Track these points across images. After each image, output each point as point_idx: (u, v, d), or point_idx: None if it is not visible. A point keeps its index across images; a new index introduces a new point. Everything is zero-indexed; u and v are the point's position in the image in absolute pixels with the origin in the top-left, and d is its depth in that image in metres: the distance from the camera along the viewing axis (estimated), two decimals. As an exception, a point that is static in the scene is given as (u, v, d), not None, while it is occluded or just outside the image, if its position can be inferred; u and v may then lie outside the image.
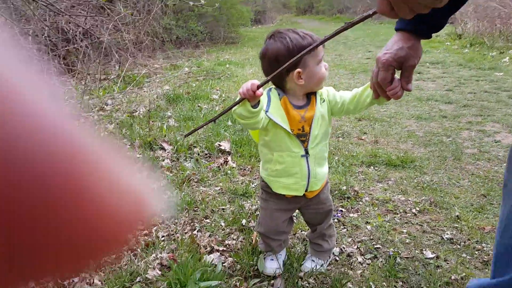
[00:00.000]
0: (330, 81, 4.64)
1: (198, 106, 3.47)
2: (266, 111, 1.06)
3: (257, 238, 1.46)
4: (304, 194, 1.20)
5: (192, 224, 1.66)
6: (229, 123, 2.93)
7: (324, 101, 1.14)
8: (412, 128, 2.90)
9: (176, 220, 1.67)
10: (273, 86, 1.14)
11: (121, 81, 4.27)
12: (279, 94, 1.11)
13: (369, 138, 2.69)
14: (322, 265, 1.34)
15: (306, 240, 1.47)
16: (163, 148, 2.47)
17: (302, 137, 1.12)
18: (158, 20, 6.49)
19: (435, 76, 4.73)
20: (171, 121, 3.04)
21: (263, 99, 1.03)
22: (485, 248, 1.46)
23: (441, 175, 2.09)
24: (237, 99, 0.98)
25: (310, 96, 1.13)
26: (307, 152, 1.13)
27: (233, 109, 0.99)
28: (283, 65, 0.95)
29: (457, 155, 2.33)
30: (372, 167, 2.21)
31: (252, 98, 0.94)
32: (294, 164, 1.14)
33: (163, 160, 2.27)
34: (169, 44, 6.64)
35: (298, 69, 1.06)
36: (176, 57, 6.31)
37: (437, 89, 4.04)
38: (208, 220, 1.67)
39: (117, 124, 2.93)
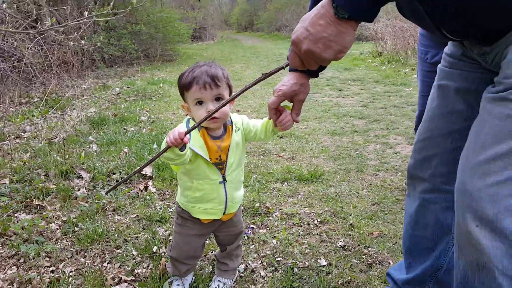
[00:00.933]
0: (259, 100, 4.85)
1: (124, 129, 3.44)
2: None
3: (166, 262, 1.51)
4: (220, 218, 1.29)
5: (102, 256, 1.66)
6: (155, 146, 2.95)
7: (238, 129, 1.24)
8: (326, 143, 3.16)
9: (85, 254, 1.66)
10: (191, 117, 1.21)
11: (43, 104, 4.08)
12: (198, 128, 1.17)
13: (287, 154, 2.89)
14: (225, 284, 1.43)
15: (215, 261, 1.55)
16: (80, 177, 2.42)
17: (220, 165, 1.21)
18: (89, 38, 6.30)
19: (354, 92, 5.17)
20: (93, 146, 2.98)
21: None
22: (370, 252, 1.66)
23: (344, 187, 2.32)
24: (164, 147, 1.04)
25: (226, 126, 1.22)
26: (224, 179, 1.23)
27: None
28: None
29: (360, 167, 2.60)
30: (285, 183, 2.38)
31: (179, 145, 1.02)
32: (213, 190, 1.23)
33: (79, 190, 2.23)
34: (100, 63, 6.46)
35: (183, 103, 1.20)
36: (108, 77, 6.16)
37: (354, 105, 4.43)
38: (119, 251, 1.68)
39: (34, 152, 2.80)
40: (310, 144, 3.13)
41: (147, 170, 2.49)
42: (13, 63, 4.39)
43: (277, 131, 1.22)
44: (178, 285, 1.40)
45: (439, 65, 1.07)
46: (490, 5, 0.71)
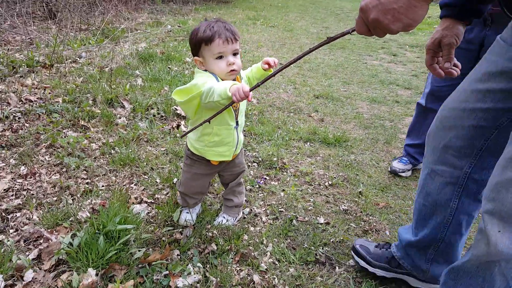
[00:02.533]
0: (308, 56, 4.75)
1: (169, 67, 3.60)
2: None
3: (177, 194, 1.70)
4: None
5: (131, 178, 1.89)
6: (193, 88, 3.09)
7: (242, 79, 1.34)
8: (362, 109, 3.10)
9: (117, 173, 1.90)
10: (206, 70, 1.25)
11: (99, 33, 4.33)
12: (217, 79, 1.22)
13: (318, 115, 2.90)
14: (228, 220, 1.60)
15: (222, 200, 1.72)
16: (123, 106, 2.65)
17: (235, 112, 1.33)
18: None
19: (408, 59, 4.86)
20: (138, 80, 3.18)
21: (212, 79, 1.19)
22: (370, 221, 1.73)
23: (365, 156, 2.33)
24: (227, 102, 1.08)
25: (235, 77, 1.29)
26: (237, 124, 1.35)
27: (215, 99, 1.08)
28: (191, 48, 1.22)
29: (389, 139, 2.57)
30: (308, 143, 2.44)
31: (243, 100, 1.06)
32: (229, 135, 1.35)
33: (120, 118, 2.46)
34: (157, -2, 6.56)
35: (195, 57, 1.24)
36: (162, 13, 6.27)
37: (404, 73, 4.20)
38: (145, 176, 1.91)
39: (86, 78, 3.07)
40: (344, 108, 3.10)
41: (182, 110, 2.65)
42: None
43: (268, 72, 1.31)
44: (188, 213, 1.59)
45: (498, 37, 1.00)
46: None
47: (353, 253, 1.44)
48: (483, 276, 0.87)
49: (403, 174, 2.11)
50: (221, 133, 1.32)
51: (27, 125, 2.23)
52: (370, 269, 1.39)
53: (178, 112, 2.63)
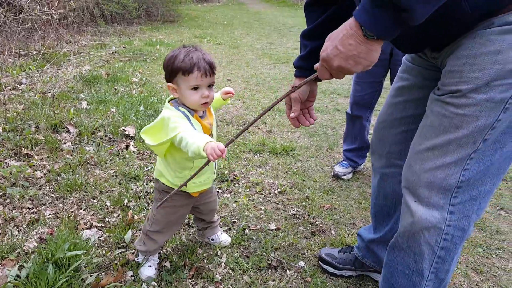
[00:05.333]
0: (251, 71, 4.94)
1: (115, 89, 3.57)
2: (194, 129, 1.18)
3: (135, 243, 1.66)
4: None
5: (79, 203, 1.86)
6: (141, 108, 3.10)
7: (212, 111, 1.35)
8: (306, 119, 3.30)
9: (64, 200, 1.87)
10: (174, 101, 1.24)
11: (40, 58, 4.17)
12: (189, 112, 1.21)
13: (266, 127, 3.05)
14: (226, 240, 1.64)
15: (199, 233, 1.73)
16: (68, 131, 2.59)
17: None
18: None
19: (348, 70, 5.23)
20: (83, 103, 3.12)
21: (184, 121, 1.16)
22: (317, 222, 1.86)
23: (311, 162, 2.50)
24: (203, 161, 1.09)
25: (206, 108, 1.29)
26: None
27: (189, 155, 1.07)
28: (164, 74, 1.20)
29: (332, 145, 2.77)
30: (258, 154, 2.56)
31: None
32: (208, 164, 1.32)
33: (65, 143, 2.41)
34: (100, 20, 6.44)
35: (169, 84, 1.21)
36: (106, 34, 6.17)
37: (343, 83, 4.52)
38: (95, 201, 1.89)
39: (27, 104, 2.96)
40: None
41: (130, 130, 2.65)
42: (15, 14, 4.43)
43: (226, 102, 1.40)
44: (150, 266, 1.44)
45: (404, 58, 1.20)
46: (432, 33, 0.88)
47: (320, 263, 1.56)
48: (413, 251, 1.02)
49: (344, 177, 2.29)
50: (200, 164, 1.23)
51: (-38, 158, 2.12)
52: (338, 272, 1.52)
53: (126, 133, 2.63)
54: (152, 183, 2.07)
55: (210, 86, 1.20)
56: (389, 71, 2.16)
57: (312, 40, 1.12)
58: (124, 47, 5.36)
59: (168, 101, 1.26)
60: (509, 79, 0.79)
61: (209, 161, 1.04)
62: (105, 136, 2.57)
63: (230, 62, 5.32)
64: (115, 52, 4.99)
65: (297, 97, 1.09)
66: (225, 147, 1.02)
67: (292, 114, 1.10)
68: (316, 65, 0.92)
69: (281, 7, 14.97)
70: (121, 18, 7.21)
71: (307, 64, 1.11)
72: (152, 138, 1.22)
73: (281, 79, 4.65)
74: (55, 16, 4.74)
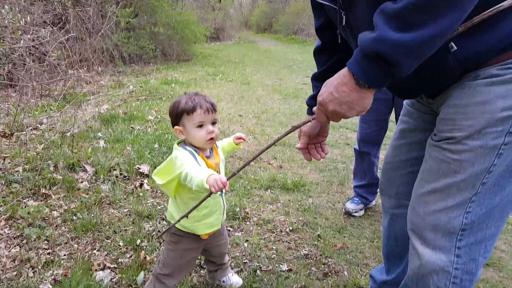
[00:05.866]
0: (262, 106, 5.05)
1: (131, 127, 3.70)
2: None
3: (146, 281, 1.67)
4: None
5: (93, 243, 1.90)
6: (156, 145, 3.19)
7: (218, 147, 1.41)
8: (317, 155, 3.32)
9: (79, 241, 1.90)
10: (182, 143, 1.30)
11: (61, 99, 4.39)
12: (195, 151, 1.27)
13: (277, 162, 3.08)
14: (236, 282, 1.62)
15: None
16: (85, 170, 2.68)
17: None
18: (110, 37, 6.63)
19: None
20: (101, 142, 3.24)
21: (190, 158, 1.21)
22: (329, 262, 1.83)
23: (322, 198, 2.49)
24: (207, 193, 1.12)
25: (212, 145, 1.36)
26: (221, 190, 1.30)
27: (193, 189, 1.12)
28: (171, 120, 1.28)
29: (343, 180, 2.77)
30: (269, 190, 2.57)
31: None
32: (216, 203, 1.34)
33: (82, 182, 2.48)
34: (119, 61, 6.78)
35: (176, 127, 1.29)
36: (124, 74, 6.47)
37: (353, 118, 4.56)
38: (108, 241, 1.92)
39: (47, 144, 3.08)
40: (301, 154, 3.29)
41: (144, 168, 2.72)
42: (39, 58, 4.73)
43: (238, 147, 1.45)
44: None
45: (404, 102, 1.26)
46: (427, 83, 0.95)
47: None
48: None
49: (356, 214, 2.27)
50: (209, 204, 1.31)
51: (-16, 198, 2.20)
52: None
53: (141, 171, 2.70)
54: (164, 222, 2.10)
55: (213, 123, 1.29)
56: (393, 109, 2.20)
57: (321, 82, 1.19)
58: (141, 87, 5.60)
59: (176, 143, 1.33)
60: (499, 126, 0.83)
61: (211, 193, 1.08)
62: (121, 174, 2.64)
63: (241, 98, 5.47)
64: (132, 91, 5.21)
65: (307, 131, 1.16)
66: (227, 180, 1.07)
67: (297, 145, 1.18)
68: (314, 108, 0.98)
69: (290, 44, 15.47)
70: (139, 58, 7.58)
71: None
72: (162, 178, 1.27)
73: (291, 114, 4.74)
74: (76, 59, 5.03)
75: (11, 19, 2.93)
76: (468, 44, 0.83)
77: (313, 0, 1.17)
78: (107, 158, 2.86)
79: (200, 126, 1.26)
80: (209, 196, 1.14)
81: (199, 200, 1.24)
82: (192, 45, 9.69)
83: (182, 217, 1.24)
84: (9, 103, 4.11)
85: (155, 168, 2.75)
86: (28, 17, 3.60)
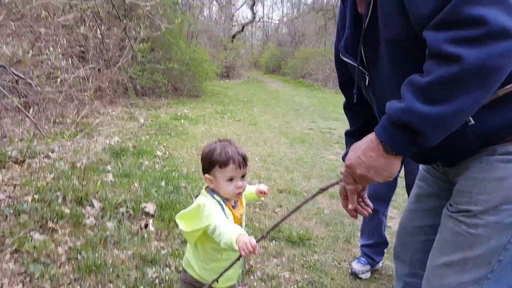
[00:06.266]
0: (268, 149, 5.12)
1: (140, 162, 3.74)
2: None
3: None
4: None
5: (96, 287, 1.87)
6: (163, 183, 3.22)
7: (242, 196, 1.42)
8: (322, 205, 3.33)
9: (82, 282, 1.88)
10: (209, 189, 1.31)
11: (74, 127, 4.48)
12: (223, 201, 1.29)
13: (282, 211, 3.08)
14: None
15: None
16: (92, 205, 2.68)
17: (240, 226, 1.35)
18: (126, 69, 6.87)
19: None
20: (109, 175, 3.27)
21: (218, 209, 1.22)
22: (334, 326, 1.80)
23: (328, 255, 2.47)
24: (236, 256, 1.14)
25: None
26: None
27: (223, 243, 1.11)
28: (202, 165, 1.30)
29: (349, 237, 2.75)
30: (274, 242, 2.56)
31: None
32: (236, 255, 1.29)
33: (88, 218, 2.48)
34: (132, 93, 6.97)
35: (206, 175, 1.31)
36: (136, 106, 6.63)
37: (359, 169, 4.61)
38: (111, 285, 1.89)
39: (57, 174, 3.11)
40: (306, 204, 3.31)
41: (150, 208, 2.73)
42: (58, 87, 4.88)
43: (259, 199, 1.48)
44: None
45: (420, 167, 1.27)
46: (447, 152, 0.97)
47: None
48: None
49: (362, 276, 2.24)
50: (229, 257, 1.29)
51: (-9, 227, 2.20)
52: None
53: (146, 210, 2.70)
54: (168, 269, 2.07)
55: (243, 176, 1.31)
56: (403, 167, 2.23)
57: (354, 138, 1.22)
58: (152, 121, 5.72)
59: (204, 189, 1.34)
60: None
61: (240, 256, 1.09)
62: (127, 212, 2.65)
63: (248, 139, 5.56)
64: (143, 125, 5.31)
65: (353, 188, 1.08)
66: (257, 242, 1.07)
67: (350, 206, 1.11)
68: (342, 170, 1.00)
69: (298, 87, 15.90)
70: (151, 92, 7.79)
71: None
72: (186, 224, 1.28)
73: (296, 159, 4.79)
74: (91, 91, 5.19)
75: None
76: (487, 119, 0.86)
77: (337, 57, 1.21)
78: (115, 194, 2.88)
79: (231, 180, 1.28)
80: (239, 260, 1.14)
81: (221, 250, 1.27)
82: (202, 82, 9.97)
83: (213, 281, 1.22)
84: (22, 127, 4.20)
85: (161, 207, 2.76)
86: (64, 60, 3.77)
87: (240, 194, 1.31)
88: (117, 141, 4.32)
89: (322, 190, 1.11)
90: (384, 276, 2.31)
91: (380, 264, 2.38)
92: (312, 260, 2.38)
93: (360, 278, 2.24)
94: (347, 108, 1.31)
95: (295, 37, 24.21)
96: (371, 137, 0.88)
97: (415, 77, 0.80)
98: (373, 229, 2.33)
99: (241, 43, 22.02)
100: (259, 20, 22.75)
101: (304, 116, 8.25)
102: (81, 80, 5.47)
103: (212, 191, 1.32)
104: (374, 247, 2.32)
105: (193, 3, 13.37)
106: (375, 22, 0.94)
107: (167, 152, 4.26)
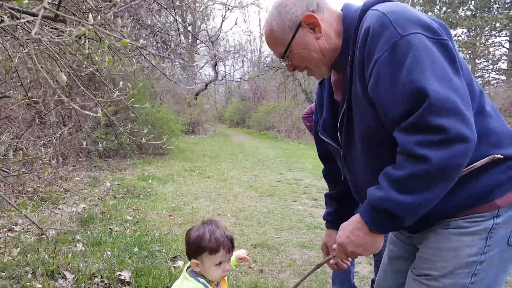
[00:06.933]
0: (239, 204, 5.25)
1: (110, 229, 3.70)
2: None
3: None
4: None
5: None
6: (136, 249, 3.21)
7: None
8: (294, 256, 3.45)
9: None
10: (191, 271, 1.37)
11: (36, 197, 4.37)
12: (208, 283, 1.34)
13: (257, 266, 3.16)
14: None
15: None
16: (64, 277, 2.62)
17: None
18: (89, 134, 6.90)
19: (328, 202, 5.63)
20: (79, 245, 3.21)
21: None
22: None
23: (303, 306, 2.56)
24: None
25: None
26: None
27: None
28: (187, 250, 1.36)
29: (321, 285, 2.87)
30: (251, 298, 2.62)
31: None
32: None
33: (61, 292, 2.43)
34: (95, 156, 6.94)
35: (193, 260, 1.34)
36: (100, 169, 6.57)
37: (325, 217, 4.82)
38: None
39: (24, 248, 3.02)
40: (280, 256, 3.42)
41: (126, 276, 2.71)
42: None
43: (239, 264, 1.60)
44: None
45: (391, 234, 1.41)
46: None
47: None
48: None
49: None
50: None
51: (-45, 313, 2.09)
52: None
53: (122, 278, 2.68)
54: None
55: (229, 259, 1.37)
56: None
57: (332, 200, 1.46)
58: (118, 184, 5.68)
59: (186, 271, 1.38)
60: (467, 269, 1.03)
61: None
62: (102, 281, 2.61)
63: (218, 196, 5.66)
64: (109, 189, 5.27)
65: (332, 246, 1.26)
66: None
67: (332, 261, 1.32)
68: (334, 246, 1.17)
69: (262, 139, 16.46)
70: (115, 153, 7.78)
71: (333, 219, 1.43)
72: None
73: (267, 212, 4.93)
74: (54, 160, 5.16)
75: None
76: (443, 200, 0.99)
77: (315, 133, 1.40)
78: (87, 264, 2.84)
79: (219, 264, 1.33)
80: None
81: None
82: (169, 140, 10.10)
83: None
84: (-19, 201, 4.04)
85: (136, 274, 2.75)
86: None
87: (225, 276, 1.36)
88: (84, 208, 4.26)
89: (319, 265, 1.32)
90: (358, 320, 2.43)
91: (353, 310, 2.51)
92: (290, 312, 2.46)
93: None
94: (326, 175, 1.50)
95: (257, 92, 25.51)
96: (356, 218, 1.06)
97: (389, 169, 0.98)
98: (342, 279, 2.50)
99: (205, 100, 22.76)
100: (222, 79, 23.76)
101: (271, 168, 8.54)
102: (41, 147, 5.43)
103: (195, 274, 1.36)
104: (345, 295, 2.46)
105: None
106: (350, 112, 1.12)
107: (137, 216, 4.25)
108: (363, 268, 3.29)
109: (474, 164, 1.00)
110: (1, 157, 3.77)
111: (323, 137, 1.31)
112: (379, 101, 0.99)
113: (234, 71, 29.08)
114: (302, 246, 3.73)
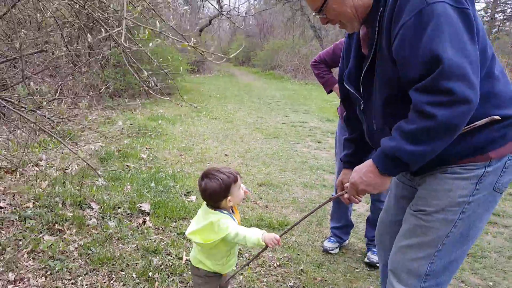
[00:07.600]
0: (246, 145, 5.50)
1: (127, 165, 4.00)
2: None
3: None
4: None
5: (110, 275, 2.18)
6: (152, 184, 3.51)
7: None
8: (297, 194, 3.76)
9: (97, 272, 2.19)
10: (216, 208, 1.57)
11: (56, 133, 4.62)
12: (228, 213, 1.57)
13: (263, 202, 3.48)
14: None
15: None
16: (91, 207, 2.95)
17: None
18: (97, 73, 6.95)
19: (331, 146, 5.86)
20: (100, 180, 3.52)
21: (232, 221, 1.53)
22: (311, 292, 2.23)
23: (303, 237, 2.90)
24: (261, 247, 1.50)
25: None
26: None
27: (248, 246, 1.51)
28: (216, 197, 1.57)
29: (320, 220, 3.20)
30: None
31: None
32: (236, 249, 1.70)
33: (90, 219, 2.76)
34: (106, 96, 7.07)
35: (229, 198, 1.56)
36: (112, 109, 6.75)
37: (328, 159, 5.09)
38: (123, 273, 2.21)
39: (51, 181, 3.33)
40: (283, 194, 3.73)
41: (146, 207, 3.04)
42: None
43: None
44: None
45: (395, 178, 1.59)
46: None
47: None
48: None
49: (332, 252, 2.69)
50: (234, 251, 1.69)
51: (3, 232, 2.44)
52: None
53: (142, 209, 3.01)
54: (169, 257, 2.41)
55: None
56: None
57: (351, 143, 1.65)
58: (131, 124, 5.90)
59: (208, 207, 1.59)
60: (456, 207, 1.24)
61: (267, 246, 1.47)
62: (125, 212, 2.94)
63: (226, 137, 5.90)
64: (123, 128, 5.50)
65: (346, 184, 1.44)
66: (280, 236, 1.46)
67: (346, 196, 1.46)
68: (346, 185, 1.38)
69: (269, 80, 16.29)
70: (124, 92, 7.89)
71: (351, 160, 1.62)
72: (201, 238, 1.57)
73: (272, 154, 5.19)
74: (68, 100, 5.31)
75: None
76: (447, 149, 1.14)
77: (340, 80, 1.55)
78: (110, 196, 3.15)
79: (239, 187, 1.59)
80: (265, 249, 1.53)
81: (231, 249, 1.65)
82: (175, 80, 10.09)
83: (244, 265, 1.61)
84: (3, 137, 4.30)
85: (155, 205, 3.07)
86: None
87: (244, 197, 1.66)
88: (101, 146, 4.53)
89: (332, 199, 1.56)
90: (350, 251, 2.78)
91: (347, 242, 2.85)
92: (291, 242, 2.80)
93: (330, 254, 2.69)
94: (347, 120, 1.66)
95: (264, 28, 24.53)
96: (369, 163, 1.23)
97: (402, 123, 1.14)
98: (341, 214, 2.78)
99: (209, 36, 22.07)
100: (226, 13, 22.69)
101: (276, 111, 8.67)
102: (55, 87, 5.56)
103: (218, 209, 1.58)
104: (342, 228, 2.77)
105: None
106: (373, 64, 1.26)
107: (151, 154, 4.53)
108: (361, 206, 3.61)
109: (475, 123, 1.16)
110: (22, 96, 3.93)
111: (346, 86, 1.46)
112: (400, 62, 1.13)
113: (239, 5, 27.66)
114: (305, 185, 4.03)
